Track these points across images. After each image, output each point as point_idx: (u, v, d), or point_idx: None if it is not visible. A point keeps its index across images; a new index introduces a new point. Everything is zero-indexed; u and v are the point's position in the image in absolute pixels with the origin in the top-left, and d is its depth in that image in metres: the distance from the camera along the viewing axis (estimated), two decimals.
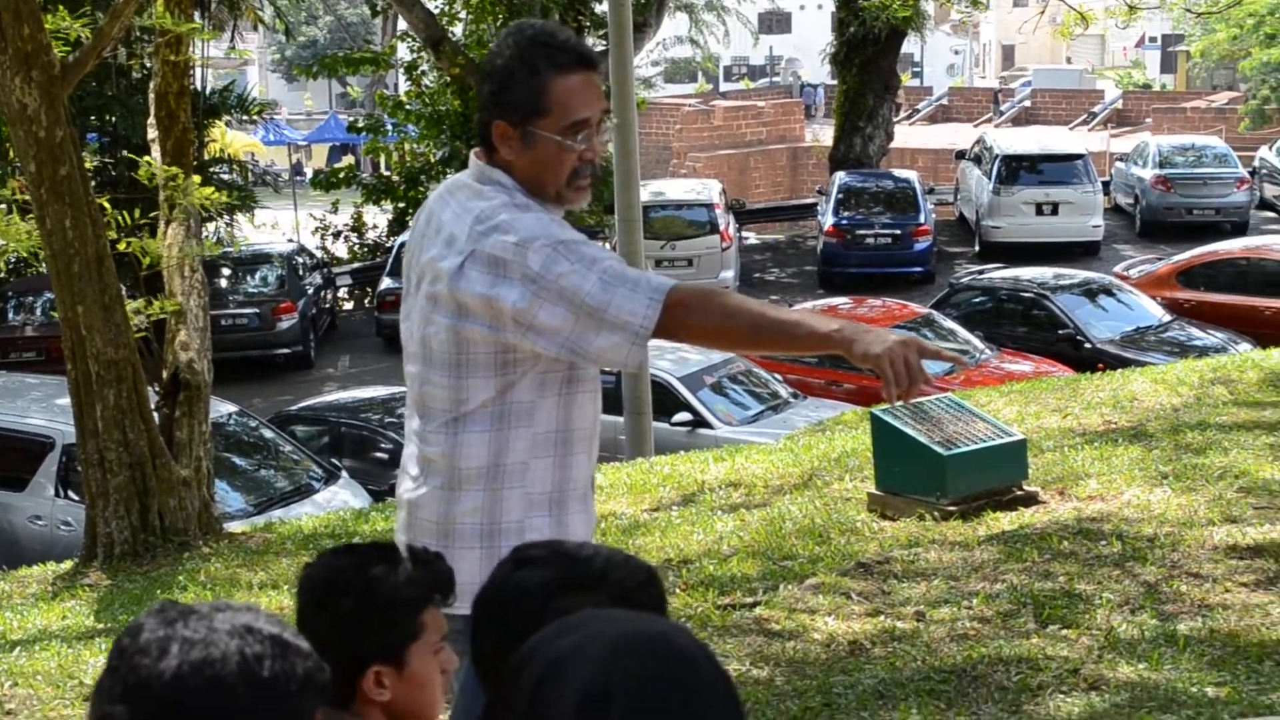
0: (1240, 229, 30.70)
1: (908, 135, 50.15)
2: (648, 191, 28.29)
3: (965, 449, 9.84)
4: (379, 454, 17.17)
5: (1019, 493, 9.88)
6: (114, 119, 27.29)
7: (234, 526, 12.69)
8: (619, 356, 4.04)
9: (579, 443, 4.27)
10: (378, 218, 34.79)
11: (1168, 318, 20.81)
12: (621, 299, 3.96)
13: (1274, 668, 6.70)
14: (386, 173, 34.73)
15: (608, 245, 23.65)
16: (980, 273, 23.94)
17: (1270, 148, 36.07)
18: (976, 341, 19.86)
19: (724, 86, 70.42)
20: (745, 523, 9.98)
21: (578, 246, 4.05)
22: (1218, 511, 9.10)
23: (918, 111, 61.57)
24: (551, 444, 4.21)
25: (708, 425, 17.50)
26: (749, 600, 8.12)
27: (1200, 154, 33.56)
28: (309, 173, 45.44)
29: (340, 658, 3.13)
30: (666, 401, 17.29)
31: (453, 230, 4.13)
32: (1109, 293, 21.50)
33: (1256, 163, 35.53)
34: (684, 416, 17.61)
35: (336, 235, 35.61)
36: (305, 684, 2.14)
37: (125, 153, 20.25)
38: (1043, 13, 37.07)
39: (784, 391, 18.62)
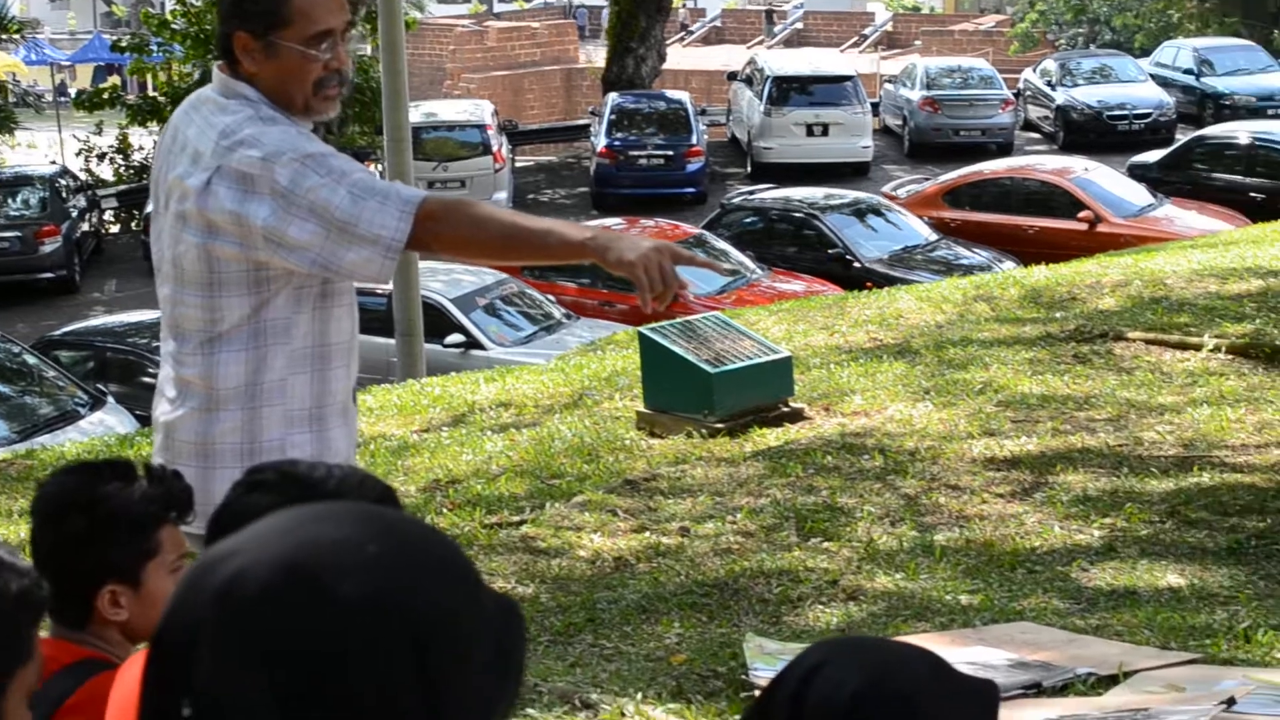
0: (1005, 149, 31.31)
1: (681, 57, 50.23)
2: (419, 113, 28.04)
3: (732, 367, 9.93)
4: (145, 379, 16.82)
5: (785, 409, 10.00)
6: None
7: None
8: (371, 271, 3.99)
9: (336, 357, 4.22)
10: (144, 139, 34.00)
11: (934, 237, 21.14)
12: (372, 213, 3.91)
13: (1026, 575, 6.88)
14: (153, 93, 33.92)
15: (377, 167, 23.39)
16: (751, 193, 24.11)
17: (1034, 70, 36.77)
18: (748, 261, 20.01)
19: (498, 7, 69.88)
20: (515, 443, 9.97)
21: (326, 159, 3.98)
22: (977, 425, 9.30)
23: (691, 33, 61.71)
24: (309, 359, 4.16)
25: (480, 347, 17.44)
26: (516, 519, 8.12)
27: (966, 76, 34.07)
28: (73, 93, 44.22)
29: (73, 576, 3.06)
30: (439, 323, 17.18)
31: (198, 146, 4.04)
32: (877, 213, 21.79)
33: (1021, 85, 36.19)
34: (456, 338, 17.53)
35: (101, 157, 34.74)
36: (20, 601, 2.09)
37: None
38: None
39: (557, 312, 18.62)
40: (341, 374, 4.25)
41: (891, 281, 17.84)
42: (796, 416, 9.92)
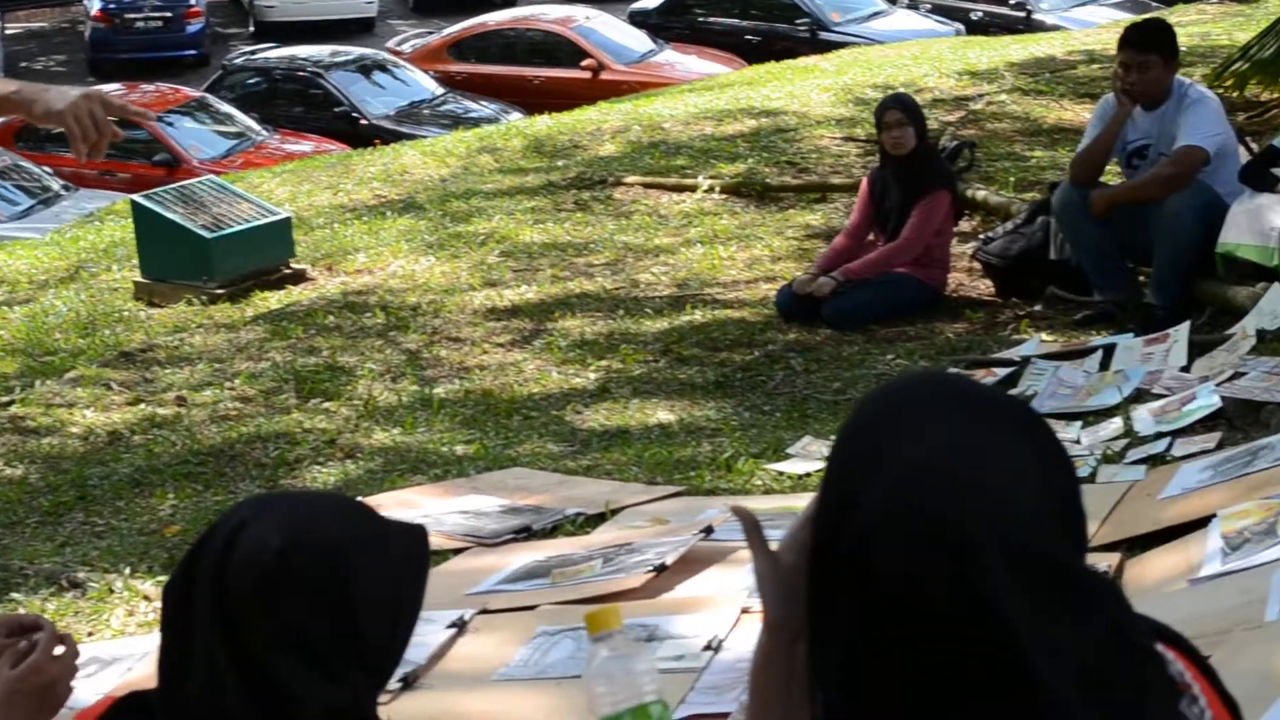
0: (509, 0, 31.32)
1: None
2: None
3: (229, 230, 9.73)
4: None
5: (287, 271, 9.87)
6: None
7: None
8: None
9: None
10: None
11: (441, 91, 21.03)
12: None
13: (522, 422, 6.97)
14: None
15: None
16: (254, 53, 23.53)
17: None
18: (253, 124, 19.56)
19: None
20: (6, 320, 9.57)
21: None
22: (479, 277, 9.35)
23: None
24: None
25: None
26: (4, 400, 7.80)
27: None
28: None
29: None
30: None
31: None
32: (384, 69, 21.50)
33: None
34: None
35: None
36: None
37: None
38: None
39: (55, 184, 17.87)
40: None
41: (399, 138, 17.67)
42: (299, 278, 9.80)
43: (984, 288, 8.40)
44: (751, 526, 1.93)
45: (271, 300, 9.32)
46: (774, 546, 1.86)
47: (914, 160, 8.16)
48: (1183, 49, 11.21)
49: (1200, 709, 1.68)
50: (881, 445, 1.61)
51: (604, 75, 20.84)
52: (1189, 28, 14.78)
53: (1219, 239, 7.17)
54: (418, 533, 2.27)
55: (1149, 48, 7.46)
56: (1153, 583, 4.31)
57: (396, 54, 22.89)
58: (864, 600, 1.59)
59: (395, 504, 5.70)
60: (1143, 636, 1.65)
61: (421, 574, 2.23)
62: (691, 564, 4.69)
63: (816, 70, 15.40)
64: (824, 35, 21.86)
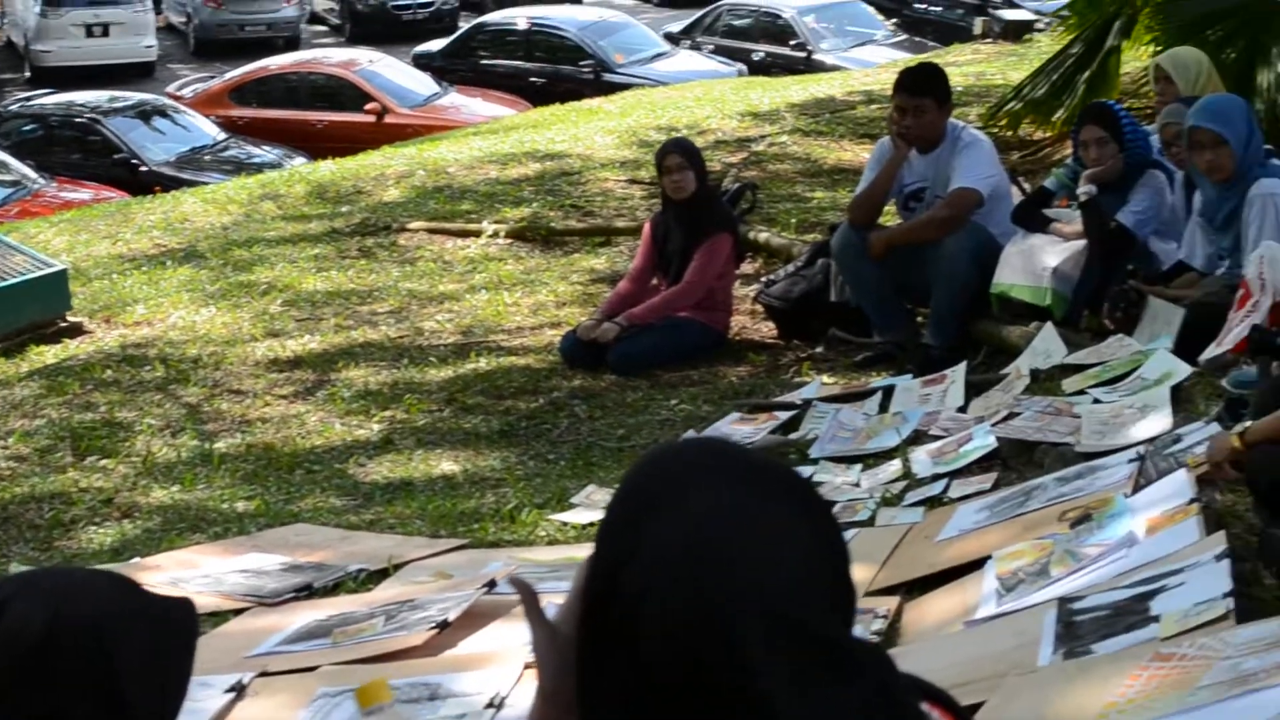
0: (292, 44, 30.98)
1: None
2: None
3: (1, 285, 9.50)
4: None
5: (64, 324, 9.65)
6: None
7: None
8: None
9: None
10: None
11: (223, 136, 20.76)
12: None
13: (305, 475, 6.88)
14: None
15: None
16: (30, 99, 23.05)
17: None
18: (29, 172, 19.14)
19: None
20: None
21: None
22: (261, 327, 9.23)
23: None
24: None
25: None
26: None
27: None
28: None
29: None
30: None
31: None
32: (164, 114, 21.19)
33: None
34: None
35: None
36: None
37: None
38: None
39: None
40: None
41: (180, 184, 17.39)
42: (76, 331, 9.59)
43: (766, 330, 8.48)
44: (529, 598, 1.91)
45: (48, 355, 9.11)
46: (555, 607, 1.85)
47: (695, 204, 8.23)
48: (958, 89, 11.43)
49: None
50: (649, 513, 1.61)
51: (388, 119, 20.71)
52: (964, 67, 15.11)
53: (993, 279, 7.32)
54: (184, 604, 2.27)
55: (923, 92, 7.61)
56: (931, 625, 4.36)
57: (177, 99, 22.55)
58: (632, 668, 1.58)
59: (175, 564, 5.59)
60: (909, 696, 1.66)
61: (189, 644, 2.24)
62: (475, 619, 4.65)
63: (600, 112, 15.49)
64: (608, 77, 21.97)
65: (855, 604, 1.67)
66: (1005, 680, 3.68)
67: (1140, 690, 3.38)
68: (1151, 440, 5.26)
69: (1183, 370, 5.85)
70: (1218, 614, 3.56)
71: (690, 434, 6.71)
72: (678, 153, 8.31)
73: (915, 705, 1.67)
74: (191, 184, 16.99)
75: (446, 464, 6.89)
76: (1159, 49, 9.41)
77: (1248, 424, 4.33)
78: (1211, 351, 5.88)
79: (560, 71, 22.87)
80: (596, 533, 1.65)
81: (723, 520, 1.59)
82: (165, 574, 5.41)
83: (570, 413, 7.50)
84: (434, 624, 4.60)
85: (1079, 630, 3.80)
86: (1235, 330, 5.78)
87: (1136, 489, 4.78)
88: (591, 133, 13.62)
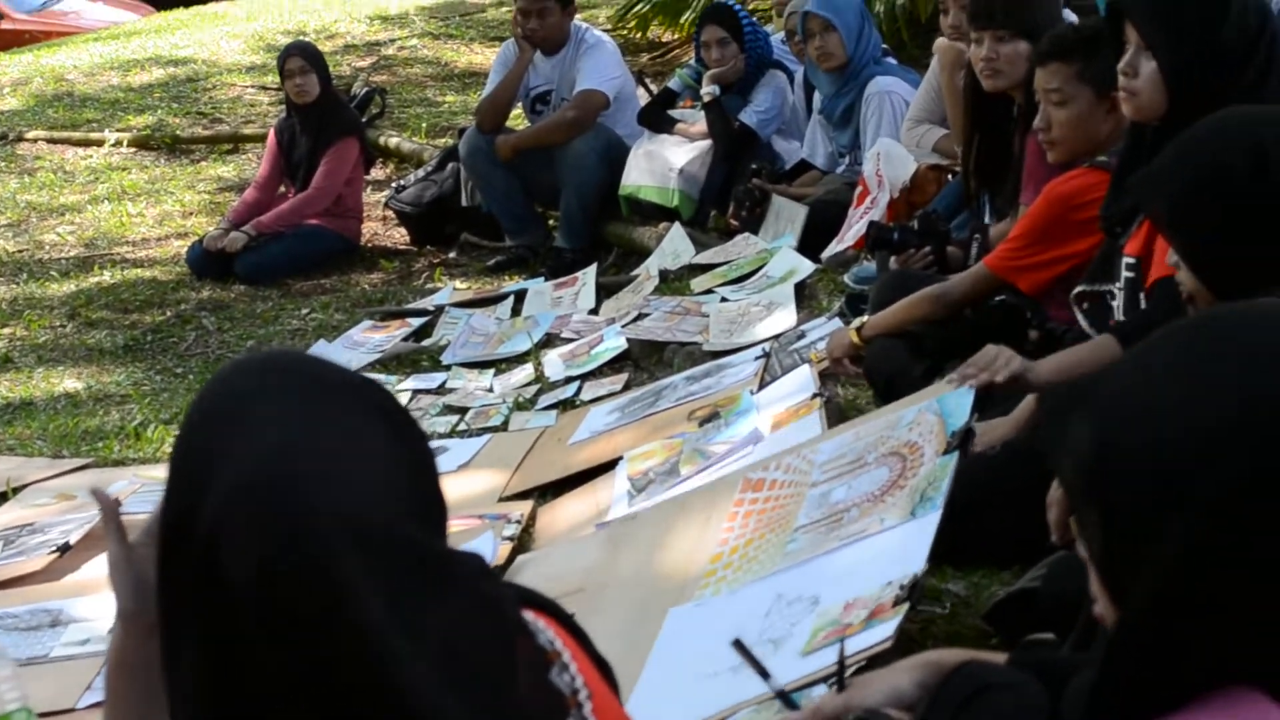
0: None
1: None
2: None
3: None
4: None
5: None
6: None
7: None
8: None
9: None
10: None
11: None
12: None
13: None
14: None
15: None
16: None
17: None
18: None
19: None
20: None
21: None
22: None
23: None
24: None
25: None
26: None
27: None
28: None
29: None
30: None
31: None
32: None
33: None
34: None
35: None
36: None
37: None
38: None
39: None
40: None
41: None
42: None
43: (399, 236, 8.41)
44: (109, 510, 1.84)
45: None
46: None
47: (319, 108, 8.09)
48: None
49: (571, 675, 1.69)
50: (220, 440, 1.54)
51: (3, 25, 19.86)
52: None
53: (622, 181, 7.36)
54: None
55: None
56: (565, 529, 4.38)
57: None
58: (215, 601, 1.52)
59: None
60: (511, 607, 1.65)
61: None
62: (98, 541, 4.52)
63: (227, 17, 15.06)
64: None
65: (446, 514, 1.64)
66: (609, 529, 3.75)
67: (740, 534, 3.43)
68: (777, 337, 5.35)
69: (806, 267, 5.96)
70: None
71: (256, 347, 6.66)
72: (300, 56, 8.14)
73: (517, 614, 1.66)
74: None
75: (69, 381, 6.66)
76: None
77: (865, 319, 4.43)
78: (833, 248, 6.03)
79: None
80: (169, 462, 1.57)
81: (299, 440, 1.54)
82: None
83: (198, 325, 7.33)
84: (55, 548, 4.46)
85: None
86: (855, 227, 5.93)
87: (762, 385, 4.86)
88: (218, 38, 13.26)
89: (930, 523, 2.99)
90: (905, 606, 2.82)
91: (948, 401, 3.32)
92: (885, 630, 2.77)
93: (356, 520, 1.50)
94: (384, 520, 1.52)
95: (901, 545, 3.01)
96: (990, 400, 3.70)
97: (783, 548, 3.27)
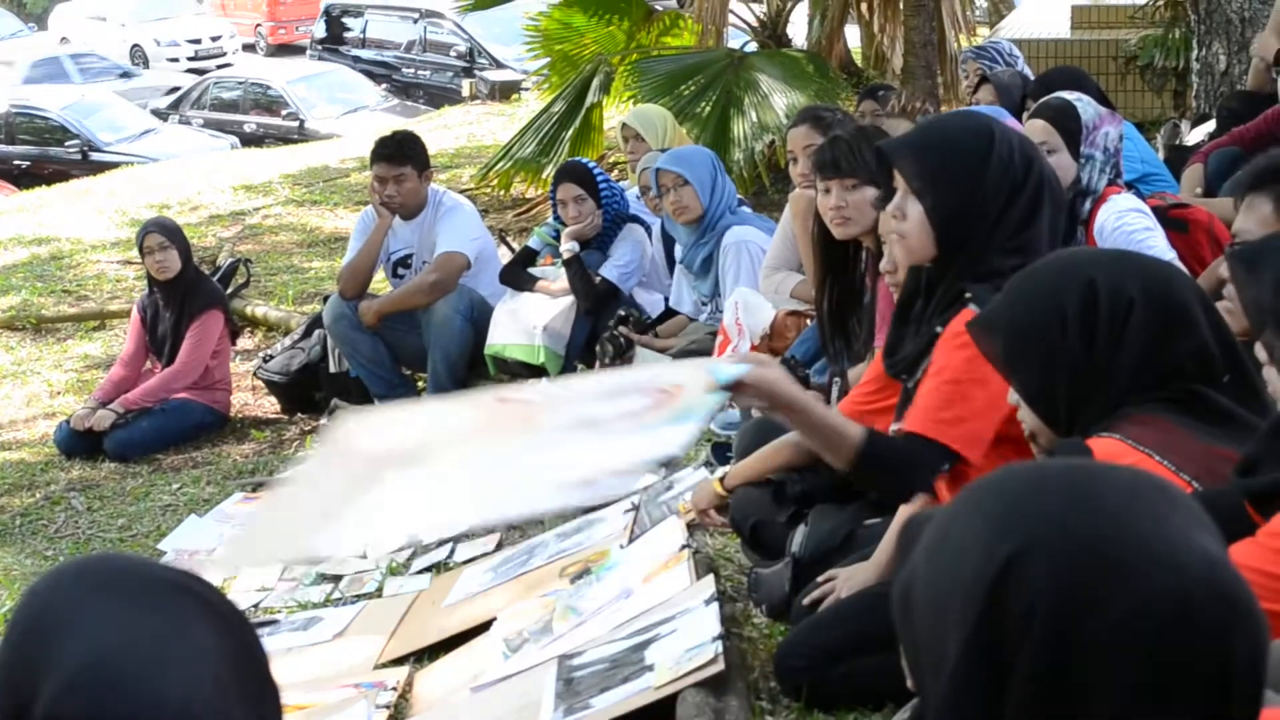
0: None
1: None
2: None
3: None
4: None
5: None
6: None
7: None
8: None
9: None
10: None
11: None
12: None
13: None
14: None
15: None
16: None
17: None
18: None
19: None
20: None
21: None
22: None
23: None
24: None
25: None
26: None
27: None
28: None
29: None
30: None
31: None
32: None
33: None
34: None
35: None
36: None
37: None
38: None
39: None
40: None
41: None
42: None
43: (269, 406, 8.40)
44: None
45: None
46: None
47: (181, 283, 8.10)
48: (451, 151, 11.53)
49: None
50: (45, 647, 1.55)
51: None
52: (456, 130, 15.30)
53: (487, 340, 7.42)
54: None
55: (402, 161, 7.68)
56: (441, 693, 4.37)
57: None
58: None
59: None
60: None
61: None
62: None
63: (90, 193, 15.06)
64: (96, 156, 21.34)
65: (280, 701, 1.65)
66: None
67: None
68: (645, 489, 5.38)
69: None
70: (707, 658, 3.66)
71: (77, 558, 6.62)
72: (159, 232, 8.17)
73: None
74: None
75: None
76: (640, 102, 9.69)
77: (728, 468, 4.47)
78: None
79: (47, 153, 22.12)
80: None
81: (119, 641, 1.55)
82: None
83: (67, 506, 7.26)
84: None
85: (578, 686, 3.86)
86: None
87: (632, 539, 4.90)
88: (82, 214, 13.24)
89: (691, 427, 2.92)
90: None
91: (718, 367, 3.23)
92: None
93: (186, 715, 1.51)
94: (213, 712, 1.54)
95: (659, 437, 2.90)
96: (851, 545, 3.75)
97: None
